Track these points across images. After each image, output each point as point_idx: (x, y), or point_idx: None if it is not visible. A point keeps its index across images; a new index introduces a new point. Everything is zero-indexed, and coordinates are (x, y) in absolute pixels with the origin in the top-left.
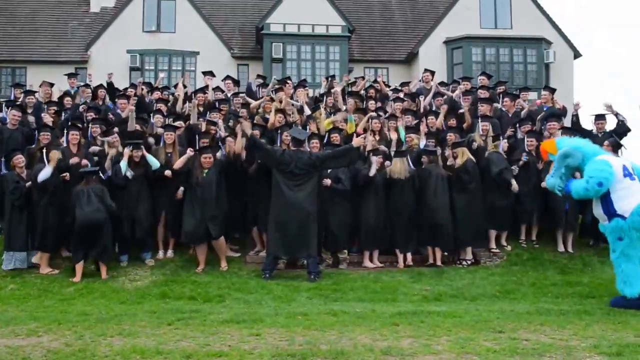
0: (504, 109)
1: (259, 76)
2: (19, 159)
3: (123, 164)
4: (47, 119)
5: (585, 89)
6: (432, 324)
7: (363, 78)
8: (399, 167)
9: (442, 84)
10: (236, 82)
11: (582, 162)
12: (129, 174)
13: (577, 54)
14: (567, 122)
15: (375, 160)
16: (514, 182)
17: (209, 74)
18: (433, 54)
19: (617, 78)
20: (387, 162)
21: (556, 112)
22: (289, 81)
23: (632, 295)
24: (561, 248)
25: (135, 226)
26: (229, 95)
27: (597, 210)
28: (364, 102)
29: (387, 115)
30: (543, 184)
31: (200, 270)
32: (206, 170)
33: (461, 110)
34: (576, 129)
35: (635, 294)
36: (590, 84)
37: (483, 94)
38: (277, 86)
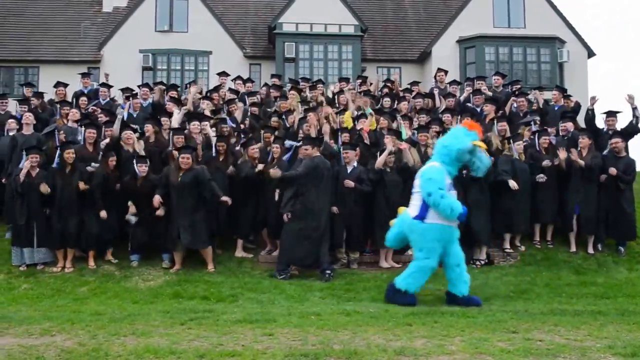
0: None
1: (273, 76)
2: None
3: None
4: (74, 116)
5: (600, 88)
6: (445, 324)
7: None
8: (415, 155)
9: (453, 82)
10: (248, 80)
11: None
12: (133, 219)
13: (591, 53)
14: (581, 116)
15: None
16: (511, 181)
17: (223, 74)
18: (446, 54)
19: (631, 77)
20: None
21: (567, 110)
22: (304, 82)
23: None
24: (574, 249)
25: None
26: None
27: None
28: (379, 102)
29: (401, 114)
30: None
31: (174, 270)
32: (181, 174)
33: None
34: (588, 126)
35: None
36: (605, 83)
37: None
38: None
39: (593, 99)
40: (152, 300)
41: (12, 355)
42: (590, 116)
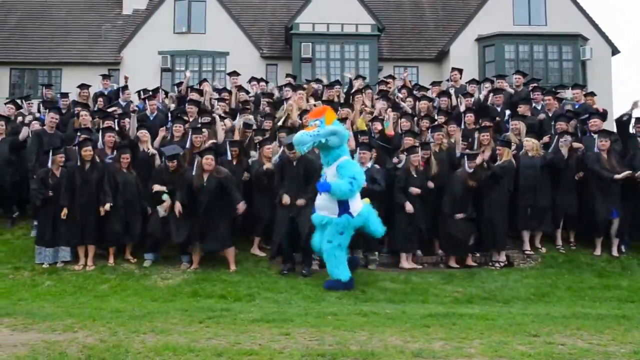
0: (539, 107)
1: (288, 75)
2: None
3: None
4: (86, 120)
5: (624, 86)
6: (464, 326)
7: (393, 77)
8: (434, 164)
9: (472, 81)
10: (261, 80)
11: (335, 150)
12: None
13: (615, 51)
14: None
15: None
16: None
17: (234, 74)
18: (464, 52)
19: None
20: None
21: (590, 109)
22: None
23: (346, 278)
24: (599, 252)
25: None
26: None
27: (330, 204)
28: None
29: (422, 115)
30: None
31: (192, 269)
32: (206, 177)
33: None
34: (620, 130)
35: (348, 277)
36: (629, 81)
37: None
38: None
39: (636, 105)
40: (171, 298)
41: (36, 350)
42: (624, 120)
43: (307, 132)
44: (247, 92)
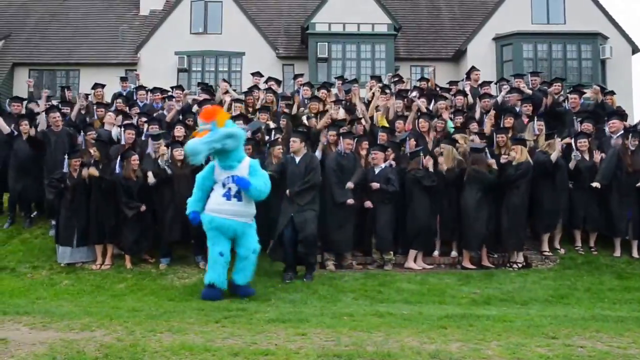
0: (567, 106)
1: (297, 76)
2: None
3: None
4: (109, 119)
5: None
6: (481, 328)
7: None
8: (449, 158)
9: (484, 83)
10: (278, 82)
11: (234, 152)
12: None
13: (635, 49)
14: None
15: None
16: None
17: (257, 74)
18: (482, 51)
19: None
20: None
21: (609, 109)
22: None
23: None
24: (619, 254)
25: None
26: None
27: (249, 209)
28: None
29: (439, 114)
30: (594, 184)
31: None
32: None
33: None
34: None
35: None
36: None
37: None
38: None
39: None
40: (187, 297)
41: (54, 348)
42: None
43: (200, 140)
44: (275, 93)
